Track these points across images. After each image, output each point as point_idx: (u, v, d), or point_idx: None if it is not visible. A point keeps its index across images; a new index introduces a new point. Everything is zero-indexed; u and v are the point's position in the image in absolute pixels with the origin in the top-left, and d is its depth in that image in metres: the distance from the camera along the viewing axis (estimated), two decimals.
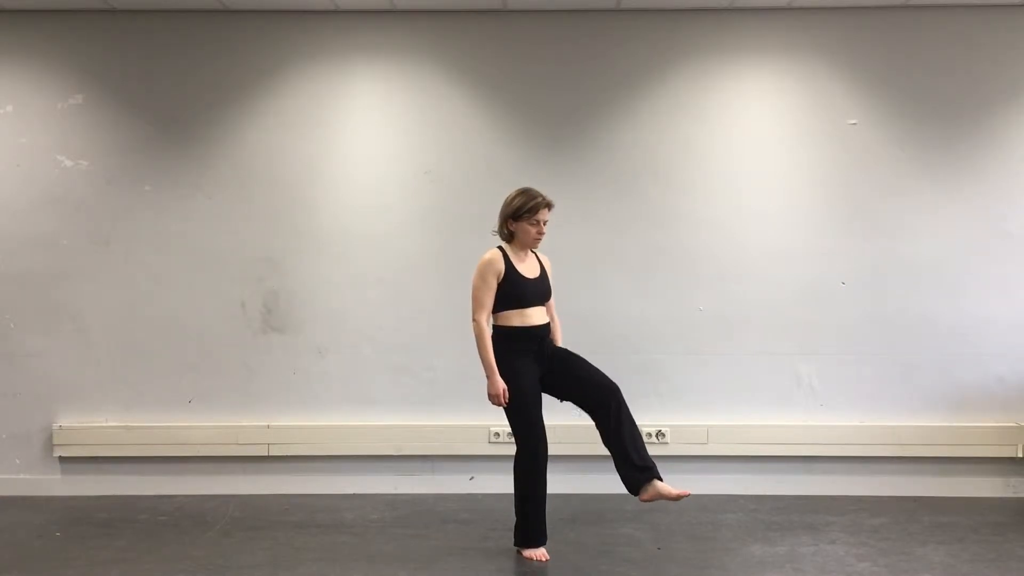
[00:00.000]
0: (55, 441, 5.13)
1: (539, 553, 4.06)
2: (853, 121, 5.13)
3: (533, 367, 4.05)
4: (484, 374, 4.02)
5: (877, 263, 5.13)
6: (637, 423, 4.04)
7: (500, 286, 4.02)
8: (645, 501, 3.99)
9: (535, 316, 4.08)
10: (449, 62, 5.17)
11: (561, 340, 4.25)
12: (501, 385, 3.97)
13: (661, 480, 3.97)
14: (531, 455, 4.00)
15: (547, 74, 5.16)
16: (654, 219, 5.16)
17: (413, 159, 5.19)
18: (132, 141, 5.18)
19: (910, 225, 5.12)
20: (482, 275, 4.02)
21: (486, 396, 4.04)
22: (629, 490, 4.01)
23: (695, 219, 5.16)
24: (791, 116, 5.15)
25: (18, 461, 5.19)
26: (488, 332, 4.04)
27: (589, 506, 4.85)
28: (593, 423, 4.07)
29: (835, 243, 5.13)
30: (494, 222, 4.15)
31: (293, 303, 5.19)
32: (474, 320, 4.03)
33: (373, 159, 5.19)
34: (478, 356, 4.03)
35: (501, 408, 4.04)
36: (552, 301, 4.22)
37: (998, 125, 5.11)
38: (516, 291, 4.03)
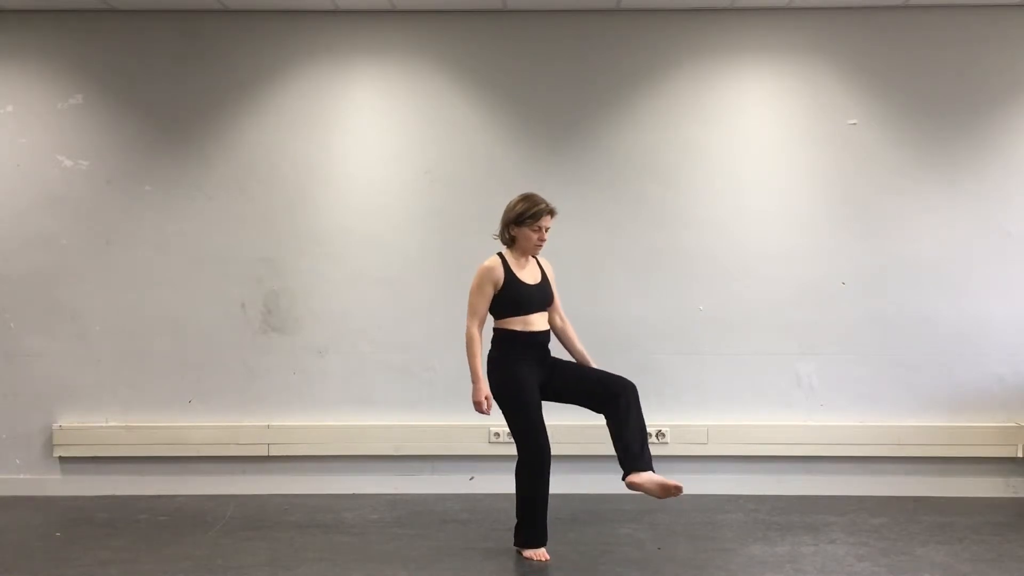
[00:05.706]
0: (55, 441, 5.13)
1: (539, 553, 4.06)
2: (853, 121, 5.13)
3: (535, 372, 4.04)
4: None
5: (877, 263, 5.13)
6: None
7: (500, 293, 4.02)
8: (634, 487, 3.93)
9: (537, 322, 4.07)
10: (449, 62, 5.17)
11: (578, 342, 4.26)
12: (484, 392, 4.00)
13: (653, 471, 3.93)
14: (533, 458, 3.99)
15: (547, 74, 5.16)
16: (654, 219, 5.16)
17: (413, 159, 5.19)
18: (132, 141, 5.18)
19: (910, 225, 5.13)
20: (479, 283, 4.03)
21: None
22: (623, 467, 3.94)
23: (695, 219, 5.16)
24: (791, 116, 5.15)
25: (18, 461, 5.19)
26: (478, 339, 4.03)
27: (589, 506, 4.85)
28: (596, 420, 4.06)
29: (835, 243, 5.13)
30: (494, 222, 4.14)
31: (293, 303, 5.19)
32: (467, 326, 4.04)
33: (373, 159, 5.19)
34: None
35: (502, 411, 4.03)
36: (559, 304, 4.22)
37: (998, 125, 5.11)
38: (516, 297, 4.03)
